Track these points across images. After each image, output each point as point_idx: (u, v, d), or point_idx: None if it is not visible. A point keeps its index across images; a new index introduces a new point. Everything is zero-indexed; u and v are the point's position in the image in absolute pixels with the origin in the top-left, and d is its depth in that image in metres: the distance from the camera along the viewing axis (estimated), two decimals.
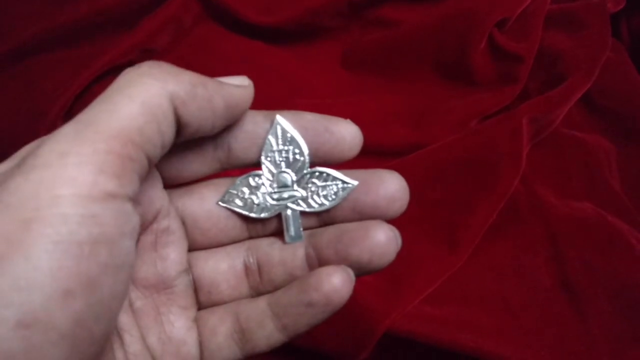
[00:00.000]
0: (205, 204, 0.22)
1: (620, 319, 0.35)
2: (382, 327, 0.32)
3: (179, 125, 0.18)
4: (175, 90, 0.17)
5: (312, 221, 0.22)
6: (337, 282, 0.19)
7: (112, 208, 0.15)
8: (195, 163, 0.21)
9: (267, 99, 0.44)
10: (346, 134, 0.20)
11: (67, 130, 0.15)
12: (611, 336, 0.34)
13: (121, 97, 0.16)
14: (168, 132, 0.17)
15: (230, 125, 0.20)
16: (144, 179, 0.17)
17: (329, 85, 0.48)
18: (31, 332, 0.13)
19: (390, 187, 0.20)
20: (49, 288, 0.14)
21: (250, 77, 0.20)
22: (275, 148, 0.21)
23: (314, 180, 0.21)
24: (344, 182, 0.21)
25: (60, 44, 0.44)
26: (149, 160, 0.17)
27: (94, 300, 0.15)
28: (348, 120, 0.21)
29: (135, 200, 0.16)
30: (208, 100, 0.18)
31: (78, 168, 0.15)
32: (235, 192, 0.21)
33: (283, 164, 0.21)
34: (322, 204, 0.21)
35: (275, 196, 0.21)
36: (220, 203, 0.22)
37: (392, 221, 0.21)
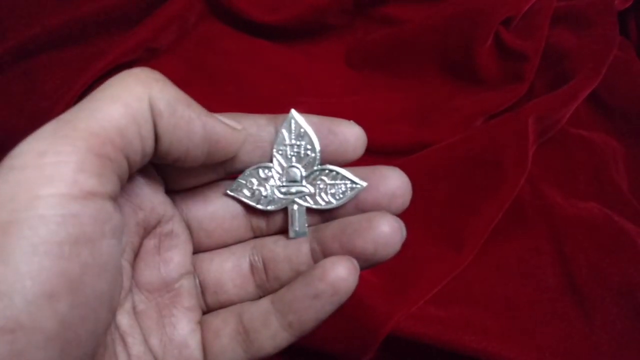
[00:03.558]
0: (210, 205, 0.22)
1: (625, 320, 0.35)
2: (386, 327, 0.32)
3: (155, 137, 0.17)
4: (156, 97, 0.17)
5: (316, 219, 0.22)
6: (342, 271, 0.19)
7: (92, 207, 0.15)
8: (201, 172, 0.21)
9: (271, 98, 0.44)
10: (350, 135, 0.20)
11: (46, 129, 0.15)
12: (617, 337, 0.34)
13: (104, 98, 0.16)
14: (148, 138, 0.17)
15: (223, 161, 0.20)
16: (125, 181, 0.17)
17: (334, 83, 0.48)
18: (16, 336, 0.13)
19: (391, 184, 0.20)
20: (30, 291, 0.13)
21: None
22: (287, 142, 0.21)
23: (323, 177, 0.21)
24: (353, 182, 0.21)
25: (63, 43, 0.44)
26: (129, 163, 0.17)
27: (78, 302, 0.15)
28: (352, 122, 0.21)
29: (115, 199, 0.16)
30: (186, 122, 0.17)
31: (57, 167, 0.14)
32: (244, 181, 0.21)
33: (294, 159, 0.21)
34: (329, 202, 0.21)
35: (283, 190, 0.21)
36: (228, 192, 0.22)
37: None
